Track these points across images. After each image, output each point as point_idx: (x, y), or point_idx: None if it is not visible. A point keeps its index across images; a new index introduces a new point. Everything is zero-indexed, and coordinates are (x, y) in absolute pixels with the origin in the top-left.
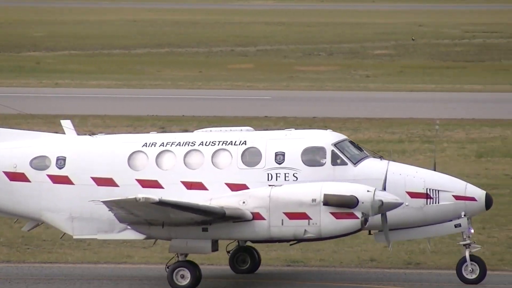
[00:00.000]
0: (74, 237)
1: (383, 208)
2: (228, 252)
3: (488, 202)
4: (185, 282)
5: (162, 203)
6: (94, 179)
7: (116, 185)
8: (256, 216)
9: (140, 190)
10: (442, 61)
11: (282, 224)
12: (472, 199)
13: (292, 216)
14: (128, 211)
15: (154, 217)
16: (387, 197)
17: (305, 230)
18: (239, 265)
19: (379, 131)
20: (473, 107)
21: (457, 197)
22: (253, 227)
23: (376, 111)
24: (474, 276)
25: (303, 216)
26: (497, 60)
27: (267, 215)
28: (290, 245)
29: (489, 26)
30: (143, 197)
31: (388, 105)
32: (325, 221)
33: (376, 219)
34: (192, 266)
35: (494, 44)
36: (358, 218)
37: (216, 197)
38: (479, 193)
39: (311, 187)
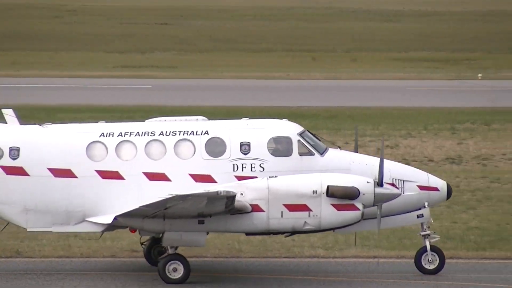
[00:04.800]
0: (28, 230)
1: (383, 199)
2: (143, 244)
3: (449, 191)
4: (178, 275)
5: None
6: (50, 170)
7: (75, 176)
8: (255, 208)
9: (99, 181)
10: None
11: (282, 216)
12: (435, 189)
13: (292, 208)
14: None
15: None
16: (386, 188)
17: (305, 222)
18: (156, 257)
19: None
20: None
21: (421, 187)
22: (251, 220)
23: None
24: (433, 266)
25: (303, 208)
26: None
27: (266, 207)
28: (285, 237)
29: None
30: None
31: None
32: (326, 212)
33: None
34: (184, 259)
35: None
36: (359, 209)
37: (209, 189)
38: (441, 183)
39: (311, 179)
